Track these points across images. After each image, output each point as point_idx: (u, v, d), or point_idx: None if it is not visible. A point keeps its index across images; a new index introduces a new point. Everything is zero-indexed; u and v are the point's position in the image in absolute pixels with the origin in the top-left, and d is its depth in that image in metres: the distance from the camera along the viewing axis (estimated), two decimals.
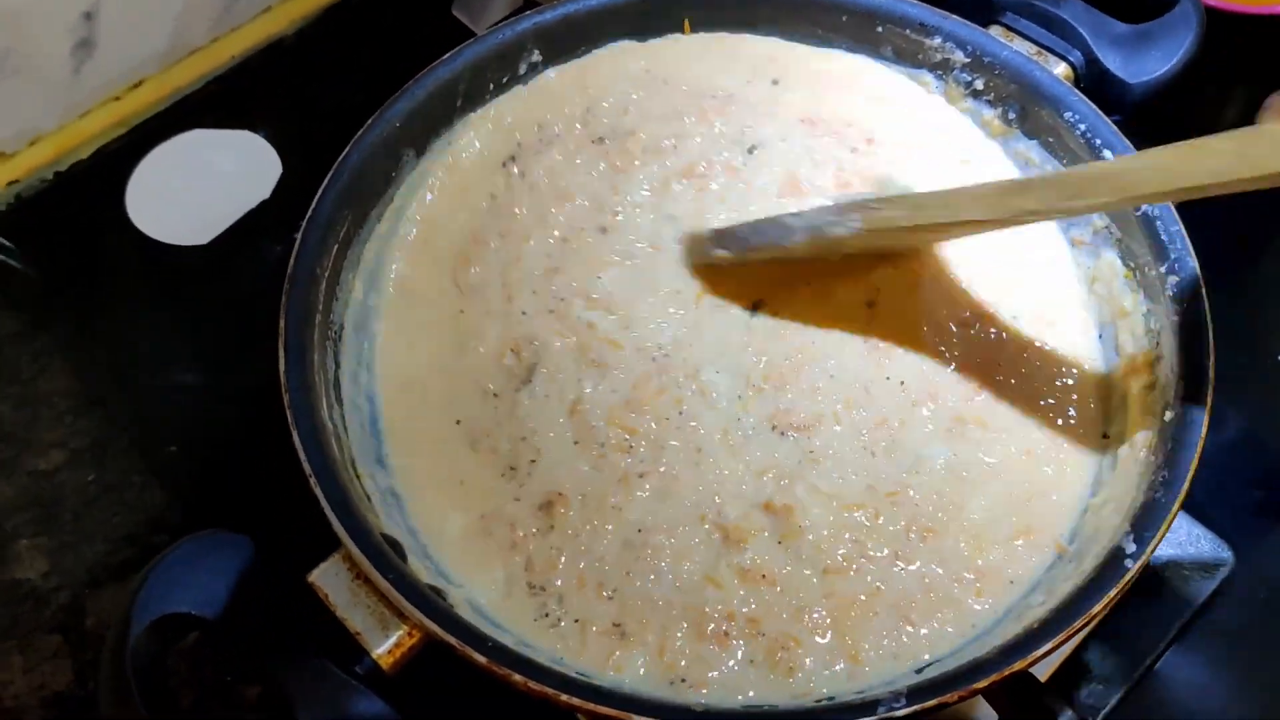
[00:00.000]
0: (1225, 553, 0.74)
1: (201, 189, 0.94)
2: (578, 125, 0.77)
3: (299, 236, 0.65)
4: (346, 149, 0.69)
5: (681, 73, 0.79)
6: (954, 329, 0.69)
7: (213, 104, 1.00)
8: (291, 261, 0.64)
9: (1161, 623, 0.73)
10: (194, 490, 0.80)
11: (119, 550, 0.77)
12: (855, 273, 0.70)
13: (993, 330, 0.69)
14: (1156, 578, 0.74)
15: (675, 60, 0.80)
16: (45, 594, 0.76)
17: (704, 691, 0.57)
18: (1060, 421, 0.66)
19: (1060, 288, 0.71)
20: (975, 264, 0.71)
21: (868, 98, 0.78)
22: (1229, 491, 0.78)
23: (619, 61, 0.80)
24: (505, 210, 0.74)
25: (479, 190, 0.75)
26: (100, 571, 0.77)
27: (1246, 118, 1.01)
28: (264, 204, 0.93)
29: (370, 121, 0.71)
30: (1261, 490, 0.79)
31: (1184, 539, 0.75)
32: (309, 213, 0.66)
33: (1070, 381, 0.67)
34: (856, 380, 0.67)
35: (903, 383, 0.66)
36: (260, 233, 0.92)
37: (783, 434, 0.65)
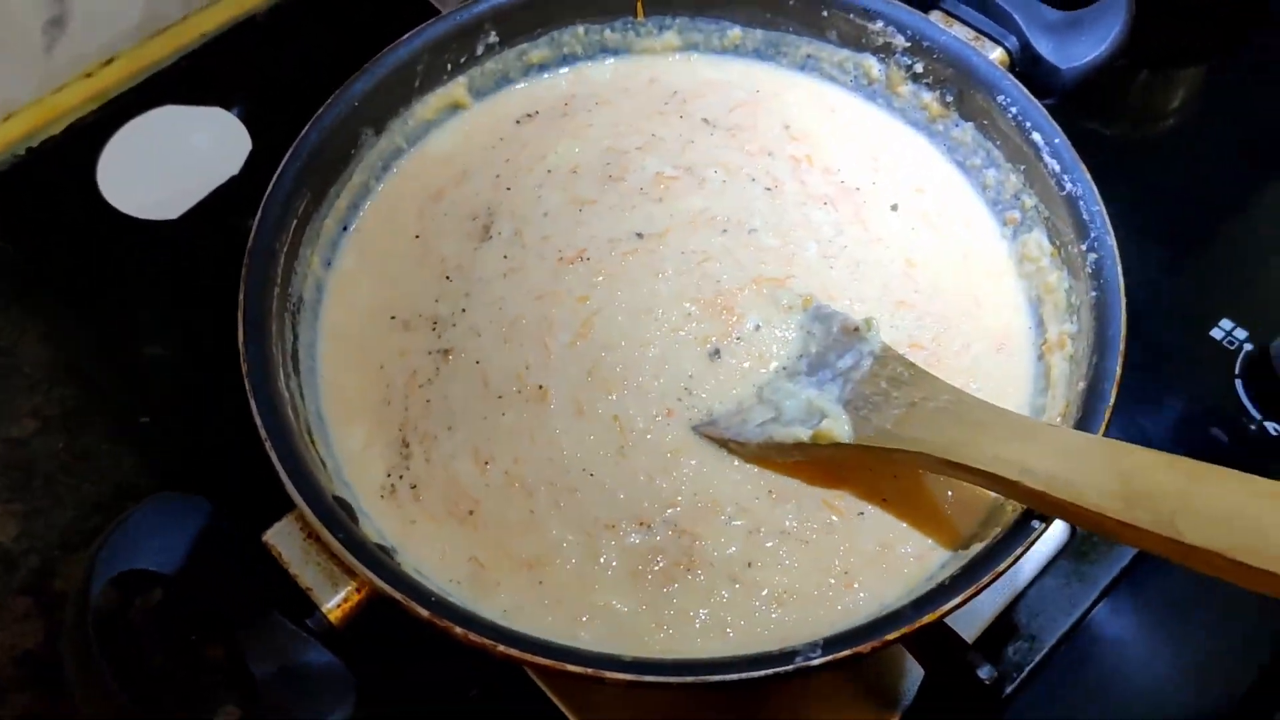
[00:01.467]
0: None
1: (172, 165, 0.97)
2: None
3: (258, 213, 0.68)
4: (305, 128, 0.72)
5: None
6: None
7: (184, 80, 1.02)
8: (251, 237, 0.67)
9: (1088, 582, 0.77)
10: (163, 458, 0.83)
11: (89, 516, 0.80)
12: None
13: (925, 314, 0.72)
14: (1085, 539, 0.78)
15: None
16: (16, 557, 0.79)
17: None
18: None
19: (992, 268, 0.74)
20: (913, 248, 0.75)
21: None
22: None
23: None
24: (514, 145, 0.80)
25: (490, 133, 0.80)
26: (71, 536, 0.80)
27: (1187, 101, 1.04)
28: (233, 180, 0.95)
29: (329, 101, 0.73)
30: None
31: None
32: (268, 190, 0.69)
33: (1003, 357, 0.71)
34: None
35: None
36: (229, 208, 0.94)
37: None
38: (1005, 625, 0.75)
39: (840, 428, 0.63)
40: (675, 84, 0.83)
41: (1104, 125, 1.03)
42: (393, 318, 0.72)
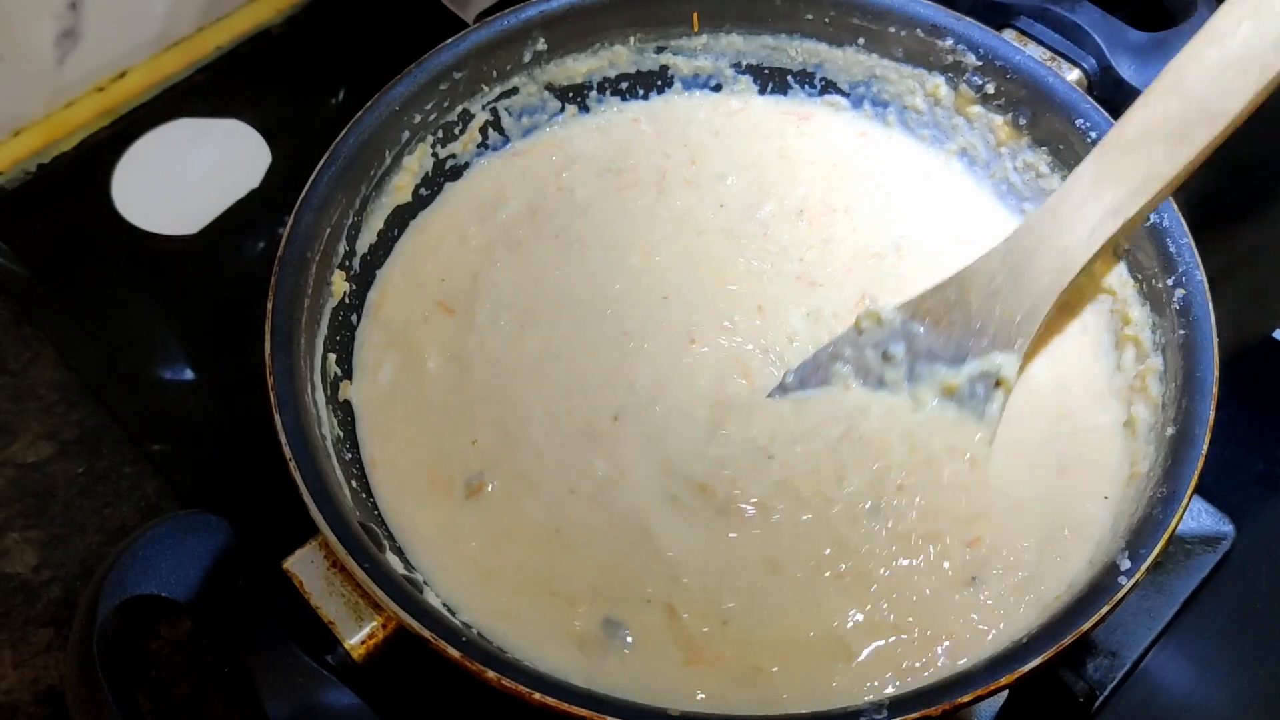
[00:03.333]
0: (1226, 526, 0.73)
1: (189, 178, 0.93)
2: None
3: (291, 218, 0.64)
4: (344, 130, 0.68)
5: None
6: None
7: (200, 93, 0.99)
8: (283, 243, 0.63)
9: (1167, 594, 0.72)
10: (187, 480, 0.79)
11: (111, 542, 0.76)
12: None
13: None
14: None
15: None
16: (36, 587, 0.74)
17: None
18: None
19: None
20: None
21: None
22: (1229, 464, 0.76)
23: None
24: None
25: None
26: (92, 563, 0.75)
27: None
28: (253, 193, 0.92)
29: (370, 103, 0.70)
30: (1262, 463, 0.79)
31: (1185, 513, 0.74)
32: (302, 194, 0.65)
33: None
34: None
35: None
36: (250, 222, 0.90)
37: None
38: (1082, 641, 0.70)
39: (1009, 365, 0.63)
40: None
41: None
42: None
